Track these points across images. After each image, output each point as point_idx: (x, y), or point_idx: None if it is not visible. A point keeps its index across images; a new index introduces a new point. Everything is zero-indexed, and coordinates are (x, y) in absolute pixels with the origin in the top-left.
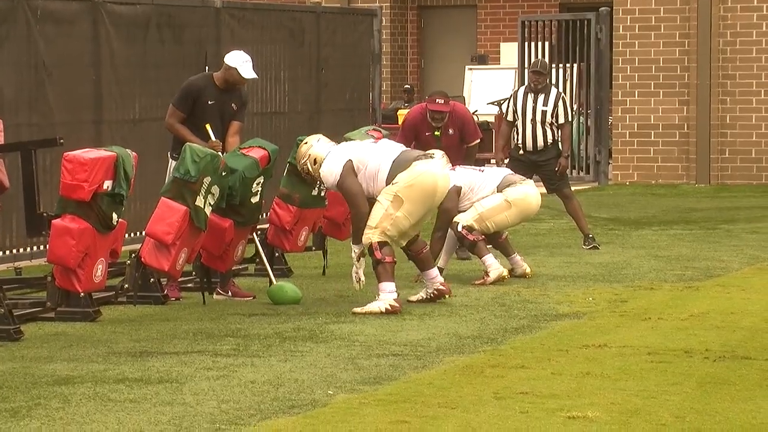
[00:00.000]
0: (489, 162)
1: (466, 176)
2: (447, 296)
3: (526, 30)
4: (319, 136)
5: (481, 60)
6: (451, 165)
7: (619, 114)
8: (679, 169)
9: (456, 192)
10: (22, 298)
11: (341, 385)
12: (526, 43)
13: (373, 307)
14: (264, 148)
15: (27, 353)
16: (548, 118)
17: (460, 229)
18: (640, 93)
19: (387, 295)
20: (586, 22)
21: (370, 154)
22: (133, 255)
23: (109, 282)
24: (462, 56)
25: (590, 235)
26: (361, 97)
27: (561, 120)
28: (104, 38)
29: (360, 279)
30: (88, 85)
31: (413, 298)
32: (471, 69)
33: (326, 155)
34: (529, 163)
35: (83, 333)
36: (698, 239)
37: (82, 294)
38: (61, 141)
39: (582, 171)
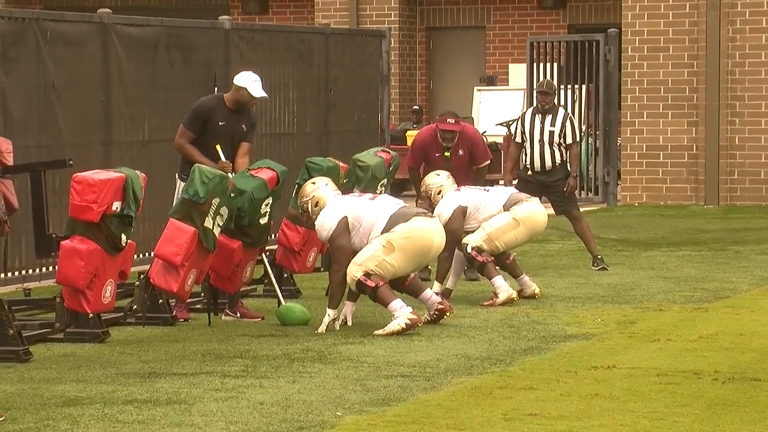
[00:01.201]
0: (498, 183)
1: (471, 196)
2: (449, 314)
3: (535, 51)
4: (327, 180)
5: (490, 81)
6: (456, 185)
7: (628, 135)
8: (687, 190)
9: (461, 212)
10: (31, 319)
11: (350, 407)
12: (535, 64)
13: (394, 326)
14: (273, 169)
15: (36, 374)
16: (556, 139)
17: (469, 250)
18: (649, 114)
19: (401, 311)
20: (594, 43)
21: (367, 210)
22: (142, 276)
23: (117, 303)
24: (471, 77)
25: (599, 256)
26: (369, 118)
27: (569, 140)
28: (113, 59)
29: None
30: (97, 107)
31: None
32: (479, 90)
33: (327, 203)
34: (537, 184)
35: (92, 354)
36: (707, 260)
37: (90, 315)
38: (71, 162)
39: (591, 192)
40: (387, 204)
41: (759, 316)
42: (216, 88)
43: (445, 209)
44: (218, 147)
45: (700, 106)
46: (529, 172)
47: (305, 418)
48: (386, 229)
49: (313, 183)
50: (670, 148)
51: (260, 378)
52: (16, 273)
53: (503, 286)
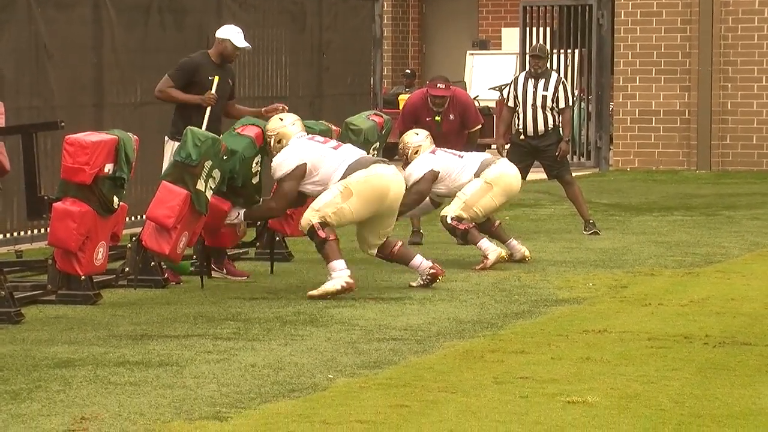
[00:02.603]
0: (490, 147)
1: (444, 161)
2: (441, 277)
3: (528, 15)
4: (296, 119)
5: (483, 45)
6: (432, 148)
7: (621, 100)
8: (680, 155)
9: (432, 177)
10: (22, 281)
11: (341, 369)
12: (528, 29)
13: (329, 287)
14: (257, 126)
15: (28, 336)
16: (549, 103)
17: (449, 221)
18: (642, 79)
19: (339, 273)
20: (587, 7)
21: (327, 158)
22: (134, 238)
23: (109, 265)
24: (463, 41)
25: (591, 221)
26: (362, 82)
27: (561, 104)
28: (106, 22)
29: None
30: (89, 69)
31: (413, 283)
32: (472, 54)
33: (289, 143)
34: (530, 149)
35: (84, 316)
36: (699, 225)
37: (82, 277)
38: (63, 124)
39: (583, 157)
40: (348, 153)
41: (750, 281)
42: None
43: (416, 171)
44: (216, 78)
45: (692, 71)
46: (522, 137)
47: (297, 381)
48: (344, 177)
49: (281, 119)
50: (663, 113)
51: (252, 340)
52: (8, 235)
53: (491, 247)
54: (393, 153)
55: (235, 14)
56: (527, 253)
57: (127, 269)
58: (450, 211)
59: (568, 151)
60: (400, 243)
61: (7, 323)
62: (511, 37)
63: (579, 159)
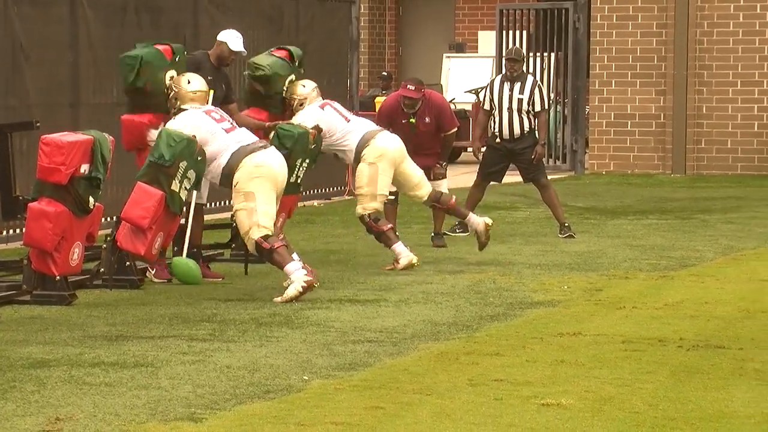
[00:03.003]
0: (466, 150)
1: (330, 119)
2: (317, 284)
3: (504, 18)
4: (201, 84)
5: (459, 48)
6: (321, 102)
7: (596, 103)
8: (655, 159)
9: (317, 130)
10: None
11: (317, 371)
12: (504, 32)
13: (291, 291)
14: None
15: (2, 336)
16: (525, 106)
17: (367, 219)
18: (617, 83)
19: (296, 274)
20: (564, 11)
21: (215, 138)
22: (108, 239)
23: (84, 266)
24: (440, 44)
25: (566, 224)
26: (338, 84)
27: (537, 108)
28: (82, 20)
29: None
30: (65, 68)
31: (285, 283)
32: (449, 57)
33: (185, 109)
34: (505, 152)
35: (59, 316)
36: (673, 229)
37: (58, 277)
38: (38, 124)
39: (558, 160)
40: (236, 137)
41: (724, 285)
42: (195, 53)
43: (303, 121)
44: (212, 92)
45: (668, 75)
46: (498, 140)
47: (272, 382)
48: (228, 167)
49: (189, 82)
50: (638, 116)
51: (227, 342)
52: None
53: (403, 252)
54: None
55: (212, 15)
56: (489, 221)
57: (103, 269)
58: (360, 209)
59: (543, 154)
60: (282, 242)
61: None
62: (487, 40)
63: (555, 162)
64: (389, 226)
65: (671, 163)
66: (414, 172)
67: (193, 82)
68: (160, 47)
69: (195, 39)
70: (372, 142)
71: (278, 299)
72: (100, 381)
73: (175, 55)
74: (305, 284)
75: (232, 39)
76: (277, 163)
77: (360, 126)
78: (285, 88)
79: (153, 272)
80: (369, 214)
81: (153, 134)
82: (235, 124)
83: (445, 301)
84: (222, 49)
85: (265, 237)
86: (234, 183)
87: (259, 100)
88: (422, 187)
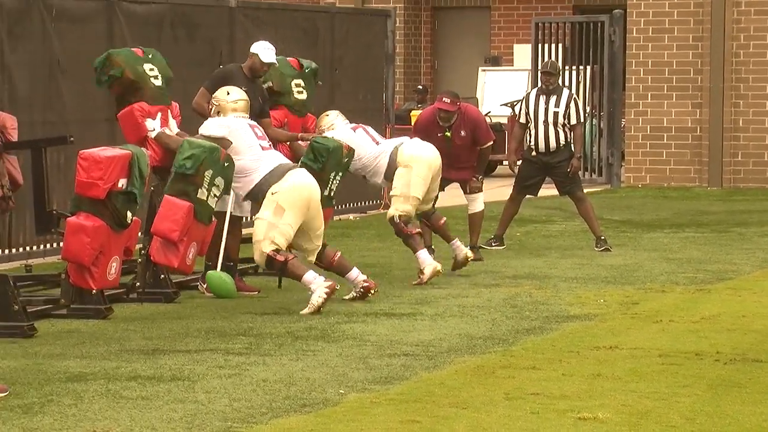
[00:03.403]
0: (501, 163)
1: (361, 143)
2: (373, 291)
3: (540, 32)
4: (244, 99)
5: (495, 61)
6: (353, 125)
7: (632, 116)
8: (691, 172)
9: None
10: (35, 295)
11: (353, 385)
12: (540, 45)
13: (315, 300)
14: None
15: (40, 350)
16: (560, 119)
17: (397, 220)
18: (653, 96)
19: (315, 284)
20: (599, 24)
21: (251, 152)
22: (143, 252)
23: (121, 280)
24: (475, 57)
25: (602, 237)
26: (374, 98)
27: (573, 121)
28: (119, 37)
29: None
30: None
31: (346, 297)
32: (484, 70)
33: (226, 116)
34: (541, 165)
35: (95, 330)
36: (710, 242)
37: (94, 291)
38: (72, 139)
39: (594, 173)
40: (271, 158)
41: (761, 298)
42: (221, 66)
43: (336, 137)
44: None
45: (704, 87)
46: (533, 153)
47: (308, 396)
48: (265, 182)
49: (228, 93)
50: (674, 129)
51: (263, 355)
52: (20, 249)
53: (427, 260)
54: None
55: (247, 29)
56: (470, 254)
57: (138, 283)
58: (395, 210)
59: (579, 167)
60: (339, 253)
61: (20, 337)
62: (523, 53)
63: (590, 175)
64: (417, 230)
65: (707, 176)
66: (436, 189)
67: (233, 93)
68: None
69: (231, 53)
70: (404, 147)
71: (305, 311)
72: (137, 395)
73: (146, 53)
74: (327, 290)
75: (263, 50)
76: (313, 187)
77: (390, 145)
78: (318, 124)
79: (205, 286)
80: (400, 215)
81: (150, 123)
82: (271, 145)
83: (481, 315)
84: (254, 60)
85: (277, 251)
86: (272, 191)
87: (275, 102)
88: (429, 203)
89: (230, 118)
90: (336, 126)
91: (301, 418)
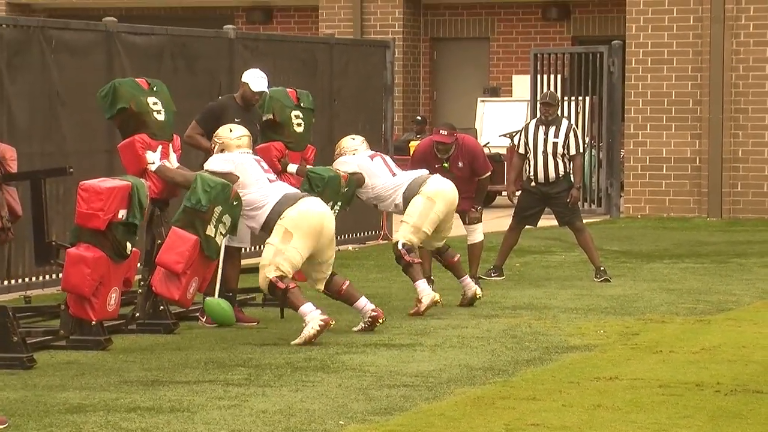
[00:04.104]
0: (501, 194)
1: (376, 172)
2: (381, 320)
3: (539, 62)
4: (246, 134)
5: (494, 92)
6: (371, 153)
7: (631, 147)
8: (690, 203)
9: (360, 178)
10: (34, 327)
11: (352, 416)
12: (539, 76)
13: (308, 331)
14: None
15: (39, 381)
16: (560, 150)
17: (400, 246)
18: (652, 126)
19: (311, 315)
20: (598, 55)
21: (258, 185)
22: (143, 283)
23: (120, 311)
24: (474, 88)
25: (602, 268)
26: (373, 128)
27: (572, 151)
28: (118, 68)
29: None
30: (101, 115)
31: (355, 329)
32: (483, 101)
33: (230, 152)
34: (540, 195)
35: (95, 361)
36: (710, 273)
37: (94, 322)
38: (71, 170)
39: (594, 204)
40: (279, 190)
41: (761, 329)
42: (220, 97)
43: (347, 164)
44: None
45: (703, 118)
46: (533, 183)
47: (308, 427)
48: (270, 215)
49: (230, 130)
50: (674, 160)
51: (263, 386)
52: (20, 280)
53: (425, 290)
54: None
55: (246, 60)
56: (479, 292)
57: (138, 314)
58: (401, 236)
59: (579, 197)
60: (348, 282)
61: (19, 368)
62: (522, 84)
63: (590, 206)
64: (419, 260)
65: (707, 207)
66: (450, 228)
67: (235, 130)
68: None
69: (230, 84)
70: (431, 181)
71: (296, 341)
72: (137, 426)
73: (151, 86)
74: (321, 324)
75: (253, 79)
76: (326, 216)
77: (407, 177)
78: (340, 145)
79: (204, 319)
80: (404, 243)
81: (150, 156)
82: (278, 178)
83: (481, 346)
84: (245, 89)
85: (281, 277)
86: (282, 217)
87: (274, 133)
88: (442, 241)
89: (235, 154)
90: (359, 152)
91: None
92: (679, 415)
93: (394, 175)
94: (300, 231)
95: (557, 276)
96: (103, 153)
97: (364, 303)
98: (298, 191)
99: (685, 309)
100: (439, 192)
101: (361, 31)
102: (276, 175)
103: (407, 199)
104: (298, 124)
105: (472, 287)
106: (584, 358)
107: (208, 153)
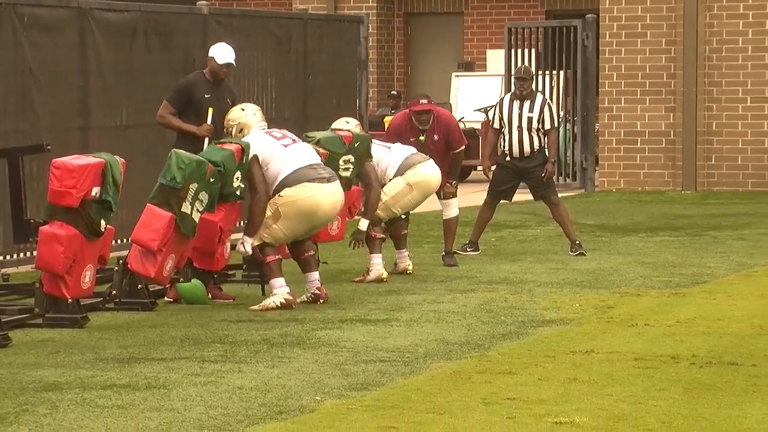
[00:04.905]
0: (475, 169)
1: (377, 153)
2: (322, 300)
3: (513, 37)
4: (257, 109)
5: (468, 67)
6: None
7: (606, 121)
8: (665, 176)
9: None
10: (9, 305)
11: (329, 391)
12: (513, 50)
13: (269, 302)
14: (237, 143)
15: (15, 359)
16: (534, 124)
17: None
18: (627, 100)
19: (279, 290)
20: (572, 29)
21: (277, 157)
22: (120, 261)
23: (96, 288)
24: (448, 63)
25: (577, 242)
26: (347, 104)
27: (547, 126)
28: (91, 45)
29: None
30: (75, 92)
31: (299, 298)
32: (457, 76)
33: (250, 134)
34: (515, 170)
35: (71, 339)
36: (684, 246)
37: (69, 300)
38: (49, 147)
39: (569, 178)
40: (295, 158)
41: (736, 301)
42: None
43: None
44: (210, 109)
45: (677, 92)
46: (508, 158)
47: (284, 403)
48: (282, 184)
49: (242, 109)
50: (648, 134)
51: (239, 363)
52: None
53: (377, 265)
54: None
55: (220, 36)
56: (410, 269)
57: (114, 292)
58: None
59: (554, 172)
60: (312, 252)
61: None
62: (496, 58)
63: (565, 180)
64: (382, 236)
65: (681, 180)
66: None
67: (246, 108)
68: (231, 147)
69: (204, 60)
70: (419, 168)
71: (254, 307)
72: (113, 403)
73: (243, 154)
74: (283, 301)
75: (219, 52)
76: (326, 201)
77: (401, 152)
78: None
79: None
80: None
81: (241, 248)
82: (295, 138)
83: (457, 320)
84: (212, 64)
85: (261, 247)
86: (280, 195)
87: None
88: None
89: (253, 137)
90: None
91: (278, 425)
92: (655, 387)
93: (388, 148)
94: (288, 216)
95: (533, 250)
96: (77, 131)
97: (314, 278)
98: (309, 167)
99: (660, 282)
100: (422, 182)
101: (335, 6)
102: (292, 138)
103: (401, 171)
104: (345, 169)
105: (405, 261)
106: (560, 331)
107: (181, 132)
